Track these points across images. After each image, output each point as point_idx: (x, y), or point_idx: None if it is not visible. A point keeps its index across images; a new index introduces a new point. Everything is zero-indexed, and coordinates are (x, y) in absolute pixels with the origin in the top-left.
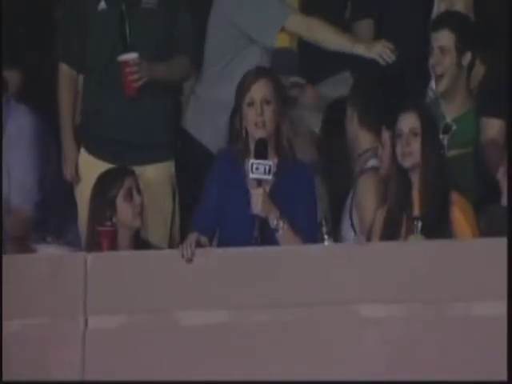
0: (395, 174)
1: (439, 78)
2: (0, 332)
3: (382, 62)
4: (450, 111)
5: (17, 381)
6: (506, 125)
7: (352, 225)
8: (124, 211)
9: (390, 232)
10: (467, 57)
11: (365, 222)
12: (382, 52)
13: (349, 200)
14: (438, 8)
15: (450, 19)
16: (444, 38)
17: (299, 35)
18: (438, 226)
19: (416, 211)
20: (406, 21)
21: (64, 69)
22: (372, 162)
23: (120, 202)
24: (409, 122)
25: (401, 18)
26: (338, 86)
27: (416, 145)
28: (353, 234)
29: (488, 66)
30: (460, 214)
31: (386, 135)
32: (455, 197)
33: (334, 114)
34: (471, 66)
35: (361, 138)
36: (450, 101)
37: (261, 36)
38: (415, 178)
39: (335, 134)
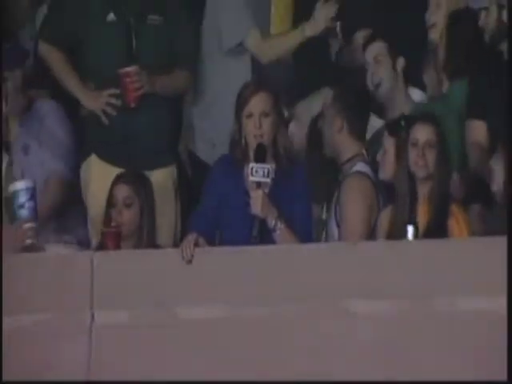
0: (405, 181)
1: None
2: (0, 332)
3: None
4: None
5: (17, 381)
6: (508, 126)
7: (337, 223)
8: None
9: (396, 234)
10: (400, 62)
11: (348, 221)
12: (326, 18)
13: (334, 200)
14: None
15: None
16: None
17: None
18: (435, 235)
19: (420, 218)
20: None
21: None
22: (359, 166)
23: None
24: (426, 133)
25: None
26: (320, 100)
27: (431, 157)
28: (337, 231)
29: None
30: (456, 226)
31: (389, 141)
32: (454, 209)
33: (316, 127)
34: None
35: (348, 145)
36: (390, 104)
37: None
38: (425, 188)
39: (318, 144)
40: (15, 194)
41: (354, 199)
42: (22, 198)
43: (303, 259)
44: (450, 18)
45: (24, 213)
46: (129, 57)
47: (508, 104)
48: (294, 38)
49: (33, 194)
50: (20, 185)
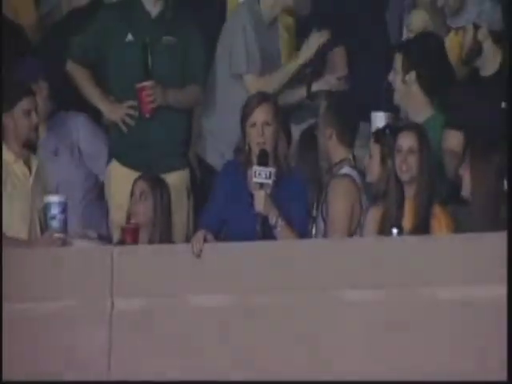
0: (393, 184)
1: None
2: (0, 332)
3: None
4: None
5: (17, 381)
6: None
7: (323, 219)
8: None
9: (384, 231)
10: (412, 75)
11: (332, 217)
12: (318, 46)
13: (322, 199)
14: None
15: (400, 45)
16: (396, 61)
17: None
18: (419, 232)
19: (406, 218)
20: (367, 46)
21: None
22: (345, 170)
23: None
24: (408, 140)
25: (365, 44)
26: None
27: (413, 161)
28: (323, 226)
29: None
30: (437, 225)
31: (375, 148)
32: (436, 209)
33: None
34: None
35: (337, 150)
36: (407, 109)
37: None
38: (410, 190)
39: (309, 149)
40: (48, 206)
41: (338, 199)
42: (55, 211)
43: (301, 253)
44: (416, 39)
45: (55, 224)
46: (145, 73)
47: (508, 106)
48: (287, 72)
49: (64, 208)
50: (53, 198)
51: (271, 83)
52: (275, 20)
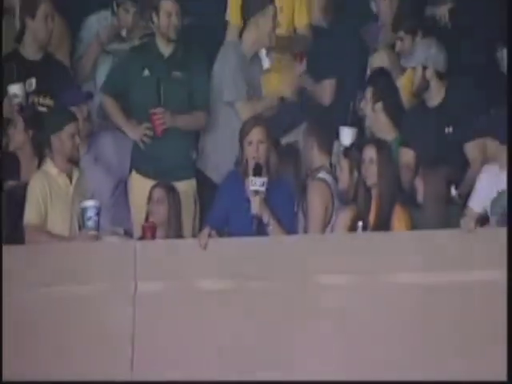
0: (361, 189)
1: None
2: (0, 332)
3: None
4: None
5: (17, 381)
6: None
7: (304, 215)
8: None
9: (354, 227)
10: (379, 105)
11: (310, 214)
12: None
13: (302, 198)
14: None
15: (371, 77)
16: (366, 92)
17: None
18: (381, 228)
19: (371, 217)
20: (343, 80)
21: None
22: (322, 174)
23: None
24: (369, 152)
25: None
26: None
27: (374, 170)
28: (303, 221)
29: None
30: (397, 222)
31: (344, 162)
32: (397, 210)
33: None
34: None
35: (316, 158)
36: (376, 131)
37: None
38: (374, 193)
39: (294, 157)
40: (85, 209)
41: (315, 198)
42: (91, 213)
43: (288, 246)
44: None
45: (91, 224)
46: (158, 101)
47: (508, 106)
48: (270, 100)
49: (98, 211)
50: (90, 203)
51: (257, 107)
52: (256, 55)
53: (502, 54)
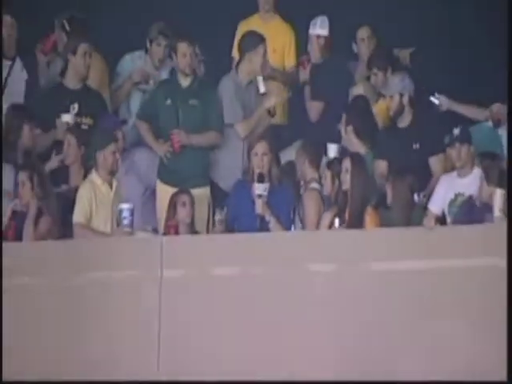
0: (340, 194)
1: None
2: (0, 331)
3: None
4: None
5: (17, 381)
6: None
7: (300, 218)
8: (180, 212)
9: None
10: (350, 128)
11: (307, 217)
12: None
13: (299, 205)
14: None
15: (349, 104)
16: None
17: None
18: (356, 226)
19: (347, 215)
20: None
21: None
22: (314, 185)
23: (178, 207)
24: (345, 164)
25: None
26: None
27: (348, 177)
28: (299, 223)
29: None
30: (368, 221)
31: (328, 173)
32: (369, 210)
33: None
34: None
35: (309, 171)
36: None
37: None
38: (349, 196)
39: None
40: (122, 210)
41: (309, 204)
42: (126, 213)
43: (287, 240)
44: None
45: (126, 222)
46: (176, 124)
47: (508, 108)
48: (260, 117)
49: (132, 212)
50: (125, 205)
51: (251, 125)
52: (251, 82)
53: (440, 99)
